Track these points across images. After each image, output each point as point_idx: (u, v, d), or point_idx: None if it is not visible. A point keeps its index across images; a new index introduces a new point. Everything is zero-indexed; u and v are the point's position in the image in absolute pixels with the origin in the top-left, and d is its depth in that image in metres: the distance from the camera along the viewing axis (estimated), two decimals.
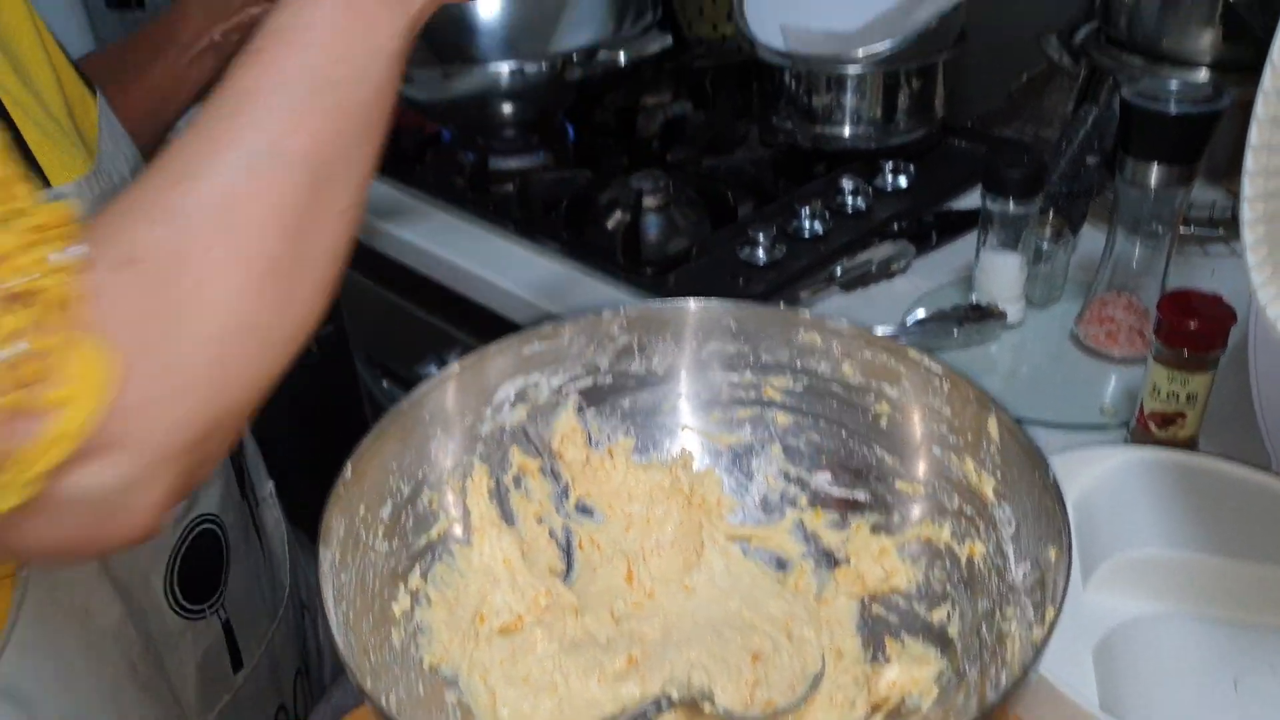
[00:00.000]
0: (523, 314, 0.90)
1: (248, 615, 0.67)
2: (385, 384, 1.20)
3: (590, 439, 0.52)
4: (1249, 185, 0.40)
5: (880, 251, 0.84)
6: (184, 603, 0.60)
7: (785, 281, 0.84)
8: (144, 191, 0.35)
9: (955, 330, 0.75)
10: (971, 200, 0.96)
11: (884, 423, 0.49)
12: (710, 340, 0.52)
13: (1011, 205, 0.73)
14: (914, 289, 0.84)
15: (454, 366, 0.49)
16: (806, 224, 0.90)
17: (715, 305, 0.51)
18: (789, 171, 1.01)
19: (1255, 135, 0.39)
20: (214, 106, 0.37)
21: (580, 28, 1.12)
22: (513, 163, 1.08)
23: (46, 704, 0.52)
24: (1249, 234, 0.39)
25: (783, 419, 0.52)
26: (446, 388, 0.48)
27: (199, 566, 0.61)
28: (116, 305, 0.32)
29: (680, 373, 0.52)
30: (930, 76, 0.96)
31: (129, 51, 0.77)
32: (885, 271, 0.84)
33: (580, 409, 0.52)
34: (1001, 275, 0.76)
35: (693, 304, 0.51)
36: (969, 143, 1.06)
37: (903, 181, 0.97)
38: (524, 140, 1.08)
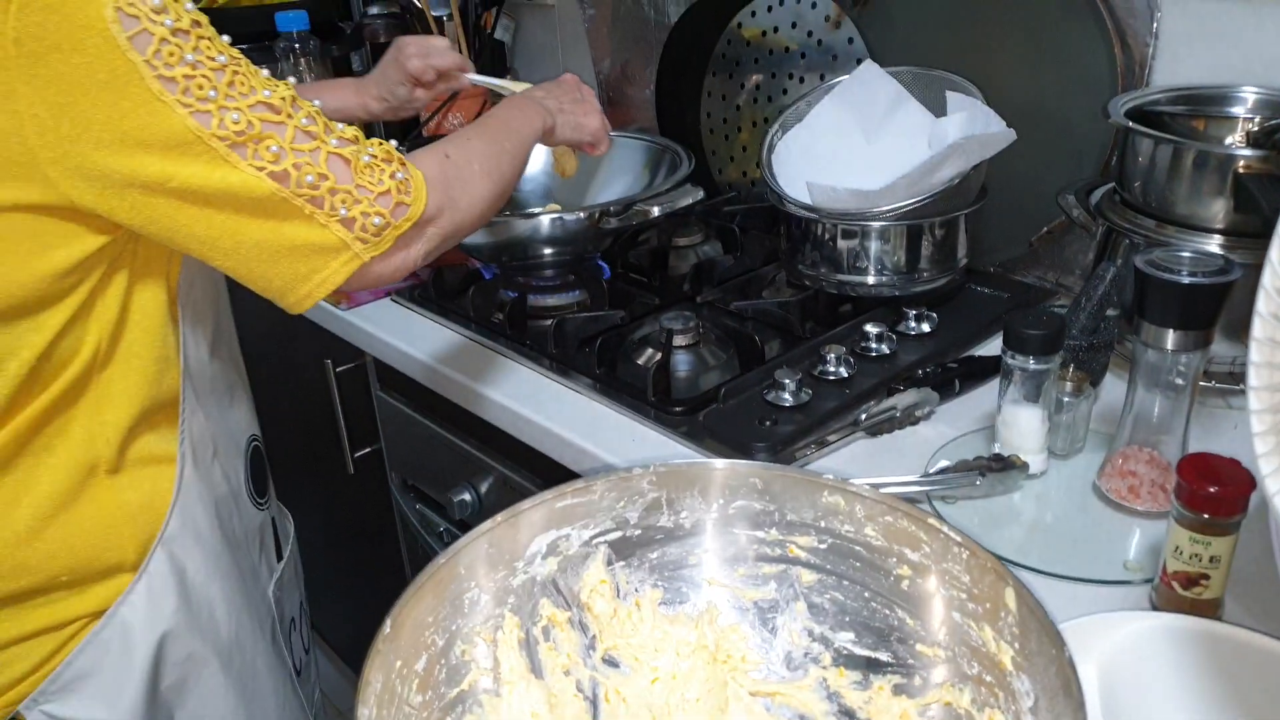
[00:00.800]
0: (555, 448, 0.92)
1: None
2: (419, 506, 1.22)
3: (618, 591, 0.54)
4: (1254, 375, 0.42)
5: (904, 399, 0.86)
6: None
7: (811, 425, 0.86)
8: (451, 140, 0.76)
9: (978, 480, 0.76)
10: (994, 346, 0.99)
11: (905, 585, 0.50)
12: (736, 498, 0.54)
13: (1032, 362, 0.75)
14: (938, 435, 0.85)
15: (490, 521, 0.51)
16: (832, 368, 0.92)
17: (742, 466, 0.53)
18: (815, 315, 1.04)
19: (1258, 329, 0.42)
20: (483, 123, 0.83)
21: (617, 178, 1.19)
22: (550, 300, 1.13)
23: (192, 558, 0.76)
24: (1255, 423, 0.41)
25: (807, 577, 0.53)
26: (483, 542, 0.50)
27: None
28: (440, 170, 0.71)
29: (707, 528, 0.54)
30: (953, 228, 1.00)
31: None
32: (910, 418, 0.86)
33: (609, 561, 0.54)
34: (1023, 428, 0.77)
35: (720, 464, 0.53)
36: (991, 289, 1.09)
37: (926, 327, 1.00)
38: (561, 279, 1.13)
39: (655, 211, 0.99)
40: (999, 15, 1.05)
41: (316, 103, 0.66)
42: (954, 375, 0.91)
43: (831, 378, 0.92)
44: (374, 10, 1.46)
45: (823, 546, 0.52)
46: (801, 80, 1.24)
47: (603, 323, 1.06)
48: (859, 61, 1.16)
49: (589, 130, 0.97)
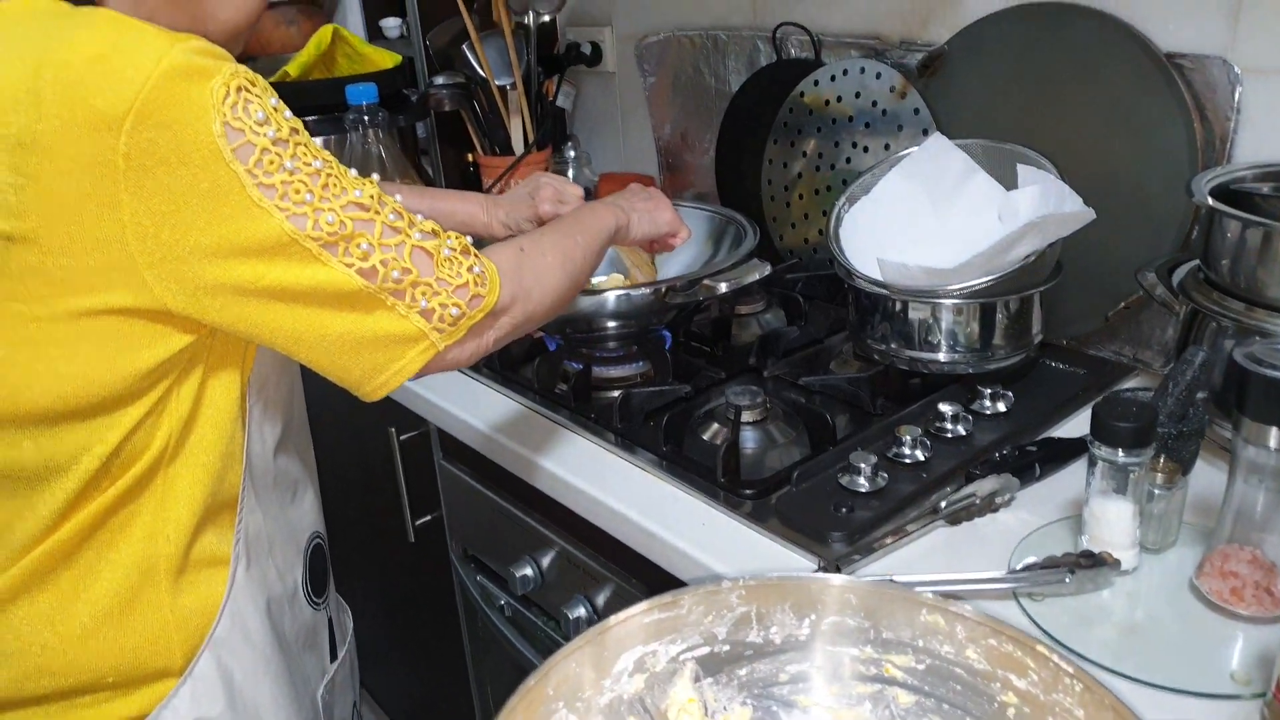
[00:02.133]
0: (620, 528, 0.91)
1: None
2: (479, 578, 1.21)
3: (706, 709, 0.52)
4: None
5: (984, 485, 0.84)
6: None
7: (888, 512, 0.84)
8: (526, 235, 0.80)
9: (1068, 578, 0.73)
10: (1073, 427, 0.96)
11: (1012, 714, 0.48)
12: (829, 614, 0.52)
13: (1121, 455, 0.72)
14: (1020, 524, 0.83)
15: (579, 639, 0.49)
16: (908, 450, 0.90)
17: (836, 581, 0.51)
18: (886, 391, 1.02)
19: None
20: (557, 221, 0.89)
21: (681, 250, 1.19)
22: (614, 371, 1.12)
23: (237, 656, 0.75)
24: None
25: (904, 698, 0.51)
26: (571, 660, 0.49)
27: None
28: (514, 263, 0.74)
29: (799, 644, 0.52)
30: (1027, 304, 0.98)
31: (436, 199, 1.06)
32: (990, 505, 0.84)
33: (697, 678, 0.52)
34: (1113, 522, 0.74)
35: (812, 578, 0.51)
36: (1067, 364, 1.06)
37: (1002, 406, 0.98)
38: (625, 350, 1.13)
39: (722, 288, 0.98)
40: (1071, 86, 1.04)
41: (419, 214, 0.68)
42: (1034, 459, 0.88)
43: (907, 460, 0.90)
44: (439, 80, 1.49)
45: (921, 667, 0.50)
46: (865, 149, 1.23)
47: (668, 396, 1.05)
48: (925, 132, 1.16)
49: (664, 221, 0.98)
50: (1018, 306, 0.98)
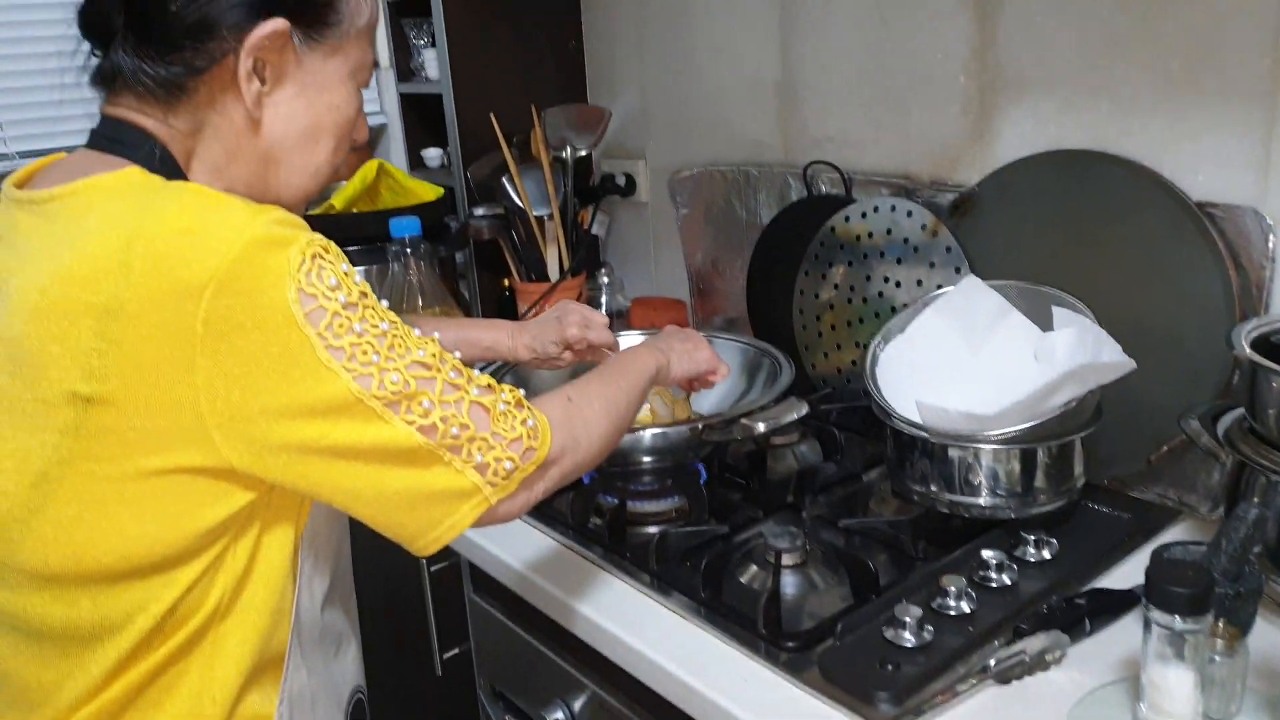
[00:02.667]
0: (657, 679, 0.89)
1: None
2: (508, 718, 1.18)
3: None
4: None
5: (1034, 643, 0.81)
6: None
7: (935, 668, 0.81)
8: (573, 385, 0.82)
9: None
10: (1119, 576, 0.94)
11: None
12: None
13: (1179, 621, 0.70)
14: (1073, 685, 0.80)
15: None
16: (953, 602, 0.88)
17: None
18: (927, 534, 1.01)
19: None
20: (601, 368, 0.88)
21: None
22: (648, 506, 1.12)
23: None
24: None
25: None
26: None
27: None
28: (563, 414, 0.75)
29: None
30: (1068, 448, 0.97)
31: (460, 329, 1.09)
32: (1040, 663, 0.81)
33: None
34: (1173, 690, 0.72)
35: None
36: (1110, 508, 1.04)
37: (1046, 554, 0.96)
38: (659, 484, 1.12)
39: (760, 428, 0.98)
40: (1103, 232, 1.05)
41: (453, 351, 0.70)
42: (1083, 613, 0.86)
43: (952, 612, 0.88)
44: (480, 211, 1.53)
45: None
46: (897, 284, 1.24)
47: (705, 536, 1.04)
48: (958, 270, 1.17)
49: (702, 360, 1.00)
50: (1059, 451, 0.97)
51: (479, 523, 0.69)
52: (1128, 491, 1.08)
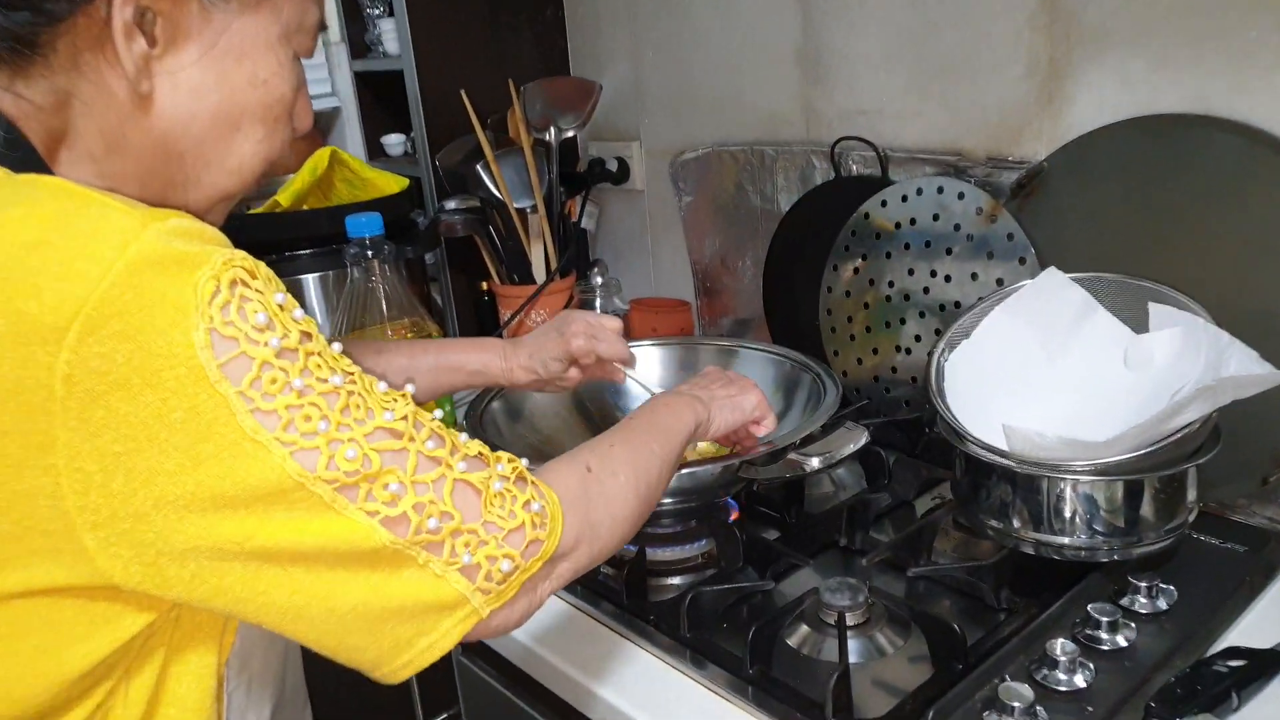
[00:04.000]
0: None
1: None
2: None
3: None
4: None
5: None
6: None
7: None
8: (593, 448, 0.63)
9: None
10: (1250, 624, 0.78)
11: None
12: None
13: None
14: None
15: None
16: (1063, 674, 0.71)
17: None
18: (1010, 579, 0.84)
19: None
20: (628, 424, 0.70)
21: None
22: (668, 553, 0.94)
23: None
24: None
25: None
26: None
27: None
28: (581, 489, 0.58)
29: None
30: (1182, 477, 0.80)
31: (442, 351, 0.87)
32: None
33: None
34: None
35: None
36: (1218, 538, 0.88)
37: (1163, 604, 0.79)
38: (683, 524, 0.94)
39: (815, 464, 0.80)
40: (1206, 213, 0.88)
41: (434, 404, 0.50)
42: (1227, 685, 0.69)
43: (1063, 688, 0.71)
44: (451, 205, 1.34)
45: None
46: (947, 279, 1.07)
47: (744, 593, 0.86)
48: (1021, 261, 1.00)
49: (749, 406, 0.83)
50: (1172, 481, 0.80)
51: (466, 639, 0.51)
52: (1230, 516, 0.92)
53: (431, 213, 1.39)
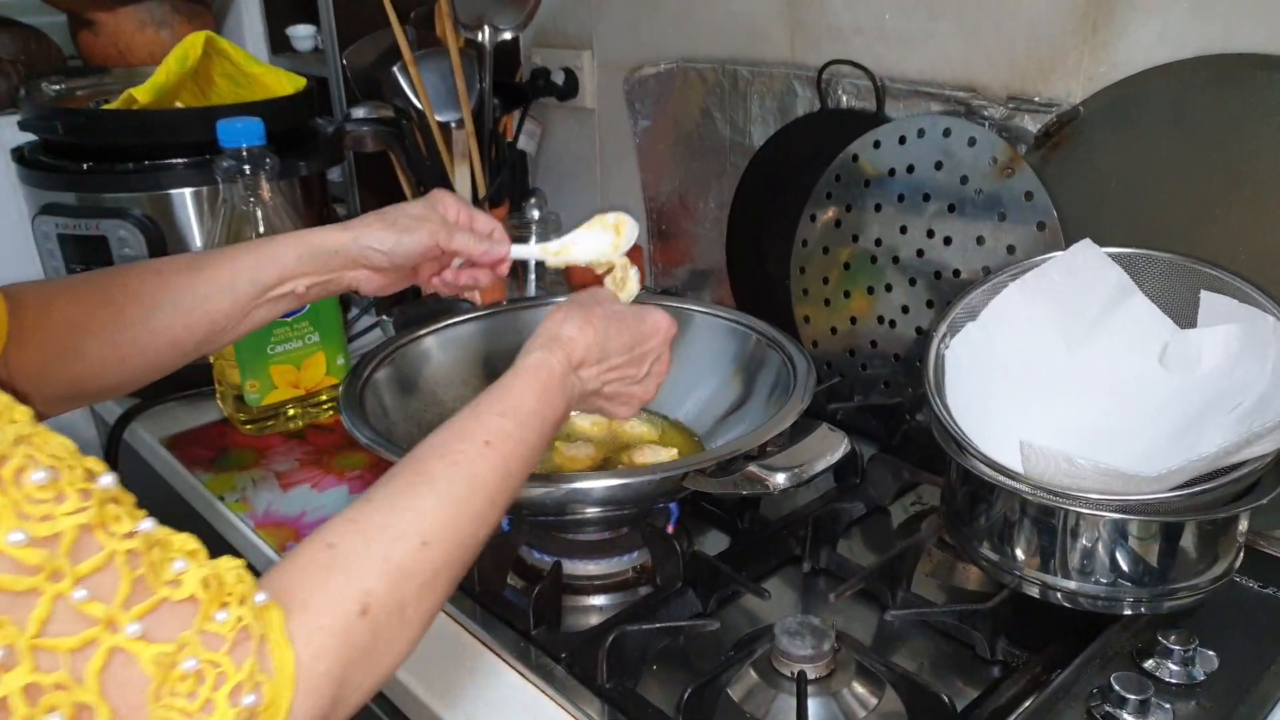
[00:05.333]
0: None
1: None
2: None
3: None
4: None
5: None
6: None
7: None
8: (368, 541, 0.41)
9: None
10: None
11: None
12: None
13: None
14: None
15: None
16: None
17: None
18: (1009, 628, 0.68)
19: None
20: (445, 447, 0.47)
21: (695, 382, 0.85)
22: (592, 567, 0.76)
23: None
24: None
25: None
26: None
27: None
28: (338, 661, 0.37)
29: None
30: (1231, 521, 0.64)
31: (184, 272, 0.62)
32: None
33: None
34: None
35: None
36: (1257, 581, 0.73)
37: (1199, 672, 0.64)
38: (612, 534, 0.77)
39: (779, 481, 0.62)
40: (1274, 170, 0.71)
41: None
42: None
43: None
44: (360, 112, 1.12)
45: None
46: (947, 241, 0.89)
47: (681, 632, 0.69)
48: (1040, 226, 0.82)
49: (635, 407, 0.63)
50: (1220, 525, 0.64)
51: None
52: (1262, 547, 0.77)
53: (338, 121, 1.17)
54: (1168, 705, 0.61)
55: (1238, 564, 0.67)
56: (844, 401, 0.96)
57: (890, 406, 0.95)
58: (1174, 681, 0.63)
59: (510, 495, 0.49)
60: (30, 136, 1.04)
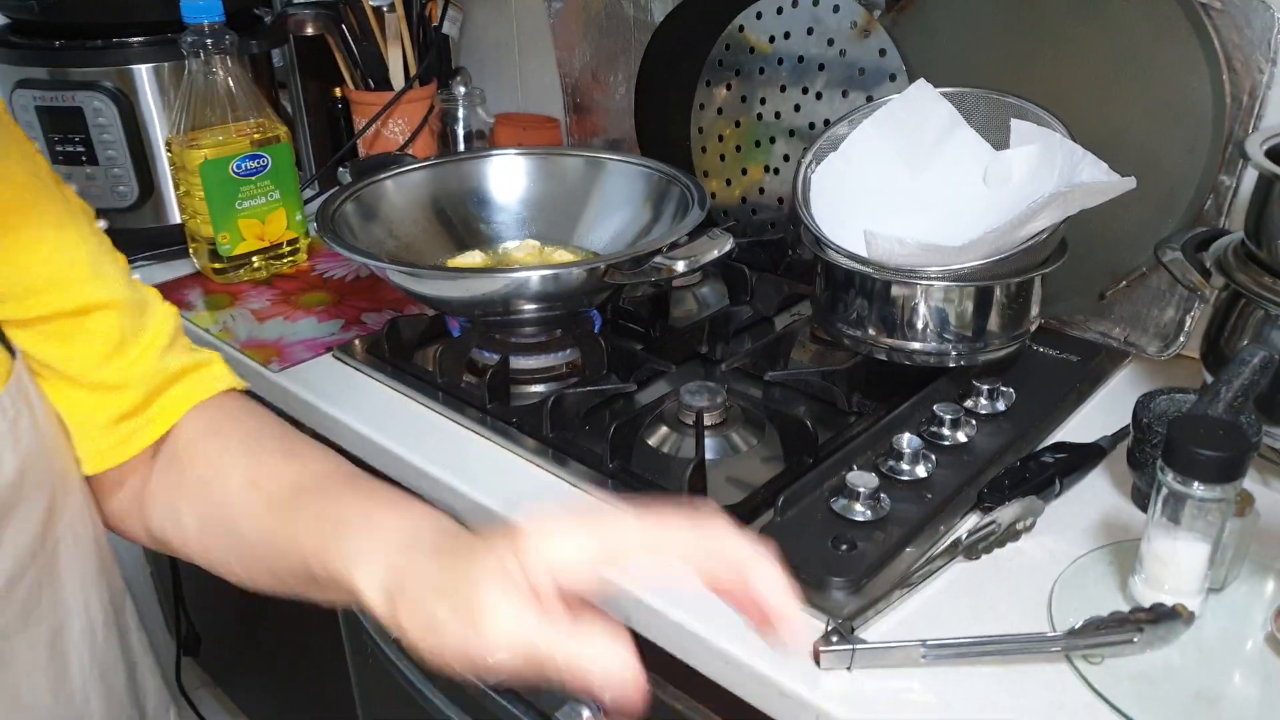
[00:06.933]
0: None
1: None
2: None
3: None
4: None
5: (1007, 514, 0.69)
6: None
7: (894, 545, 0.68)
8: None
9: (1136, 637, 0.60)
10: (1077, 424, 0.84)
11: None
12: None
13: (1201, 489, 0.59)
14: (1047, 555, 0.69)
15: None
16: (906, 465, 0.75)
17: None
18: (861, 385, 0.87)
19: None
20: None
21: (612, 212, 1.00)
22: (532, 362, 0.93)
23: None
24: None
25: None
26: None
27: None
28: None
29: None
30: (1027, 287, 0.84)
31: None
32: (1011, 533, 0.70)
33: None
34: (1182, 565, 0.61)
35: None
36: (1054, 349, 0.93)
37: (1001, 405, 0.84)
38: (548, 334, 0.93)
39: (679, 267, 0.80)
40: (1073, 29, 0.89)
41: None
42: (1051, 472, 0.75)
43: (906, 478, 0.75)
44: None
45: None
46: (818, 95, 1.06)
47: (606, 394, 0.86)
48: (892, 77, 1.00)
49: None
50: (1018, 289, 0.84)
51: None
52: (1067, 330, 0.97)
53: (278, 6, 1.27)
54: (974, 423, 0.81)
55: (1034, 326, 0.87)
56: (740, 238, 1.13)
57: (775, 241, 1.12)
58: (981, 411, 0.83)
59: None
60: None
